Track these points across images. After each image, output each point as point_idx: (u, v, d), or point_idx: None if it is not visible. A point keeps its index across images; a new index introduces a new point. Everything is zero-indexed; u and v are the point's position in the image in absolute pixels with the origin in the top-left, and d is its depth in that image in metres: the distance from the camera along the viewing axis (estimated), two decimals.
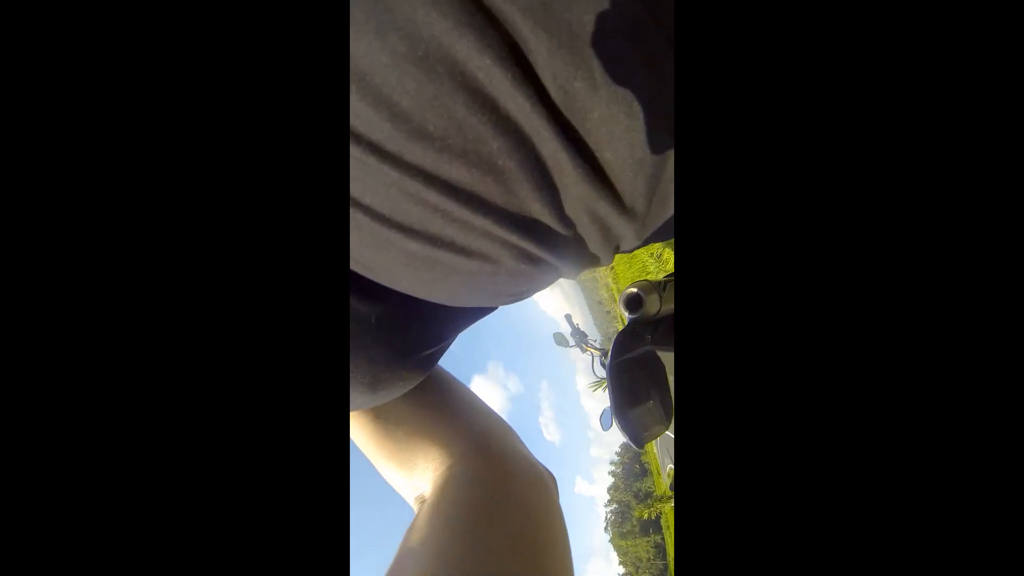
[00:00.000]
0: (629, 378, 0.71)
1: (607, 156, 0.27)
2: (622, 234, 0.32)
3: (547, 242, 0.29)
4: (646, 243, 0.39)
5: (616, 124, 0.26)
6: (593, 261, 0.36)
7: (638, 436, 0.70)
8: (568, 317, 2.28)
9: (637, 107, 0.26)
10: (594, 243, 0.32)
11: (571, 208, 0.29)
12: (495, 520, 0.33)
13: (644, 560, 44.80)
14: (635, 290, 0.78)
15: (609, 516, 51.17)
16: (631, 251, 0.41)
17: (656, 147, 0.27)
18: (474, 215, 0.26)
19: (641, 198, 0.29)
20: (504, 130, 0.25)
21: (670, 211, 0.33)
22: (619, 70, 0.25)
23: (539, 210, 0.28)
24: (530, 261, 0.30)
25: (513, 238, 0.28)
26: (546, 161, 0.26)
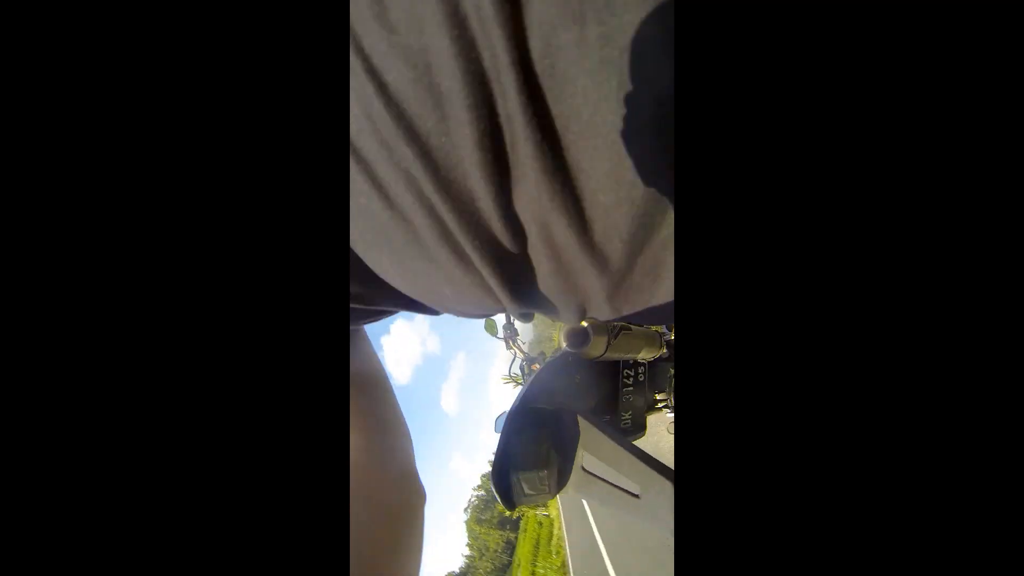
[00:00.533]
0: (533, 436, 0.58)
1: (580, 157, 0.22)
2: (586, 284, 0.27)
3: (482, 239, 0.25)
4: (637, 321, 0.37)
5: (602, 110, 0.20)
6: (547, 307, 0.31)
7: (513, 499, 0.57)
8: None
9: (638, 94, 0.20)
10: (546, 277, 0.27)
11: (521, 207, 0.24)
12: (356, 518, 0.32)
13: (491, 550, 46.95)
14: (584, 324, 0.64)
15: (474, 500, 52.75)
16: (607, 325, 0.46)
17: (653, 177, 0.22)
18: (408, 147, 0.22)
19: (618, 242, 0.24)
20: (471, 77, 0.20)
21: (663, 292, 0.28)
22: (620, 25, 0.19)
23: (480, 191, 0.23)
24: (458, 258, 0.26)
25: (444, 212, 0.24)
26: (503, 131, 0.22)
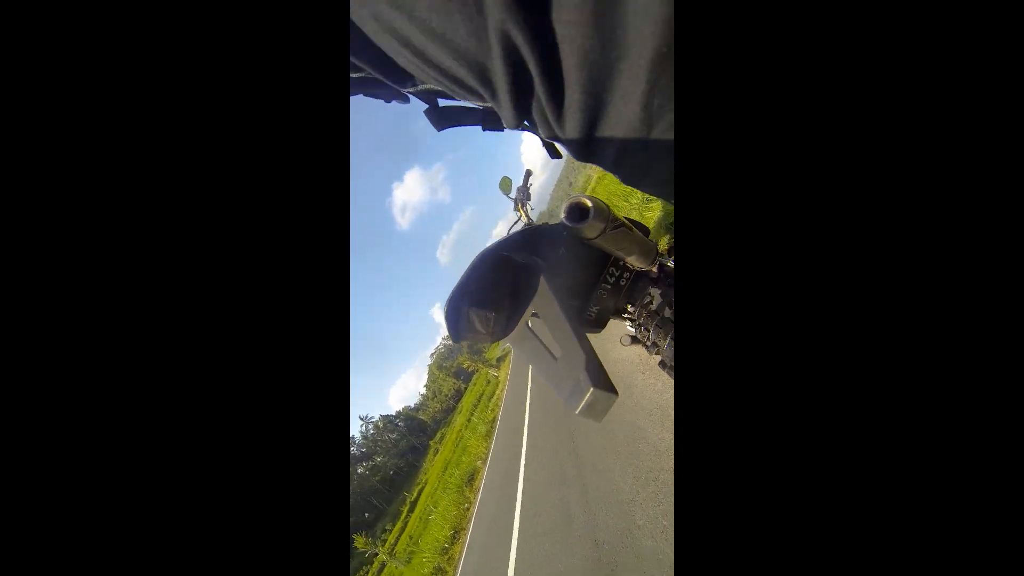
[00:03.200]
0: (492, 275, 0.60)
1: None
2: (544, 108, 0.31)
3: (446, 43, 0.28)
4: (627, 182, 0.42)
5: None
6: (506, 116, 0.34)
7: (459, 332, 0.58)
8: (528, 173, 2.10)
9: None
10: (504, 98, 0.31)
11: (491, 25, 0.27)
12: None
13: (443, 394, 51.63)
14: (588, 203, 0.66)
15: (441, 347, 57.61)
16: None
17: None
18: None
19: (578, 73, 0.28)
20: None
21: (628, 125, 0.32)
22: None
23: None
24: (418, 55, 0.29)
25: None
26: None
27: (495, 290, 0.60)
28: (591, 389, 0.43)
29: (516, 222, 2.01)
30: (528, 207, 2.02)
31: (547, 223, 0.95)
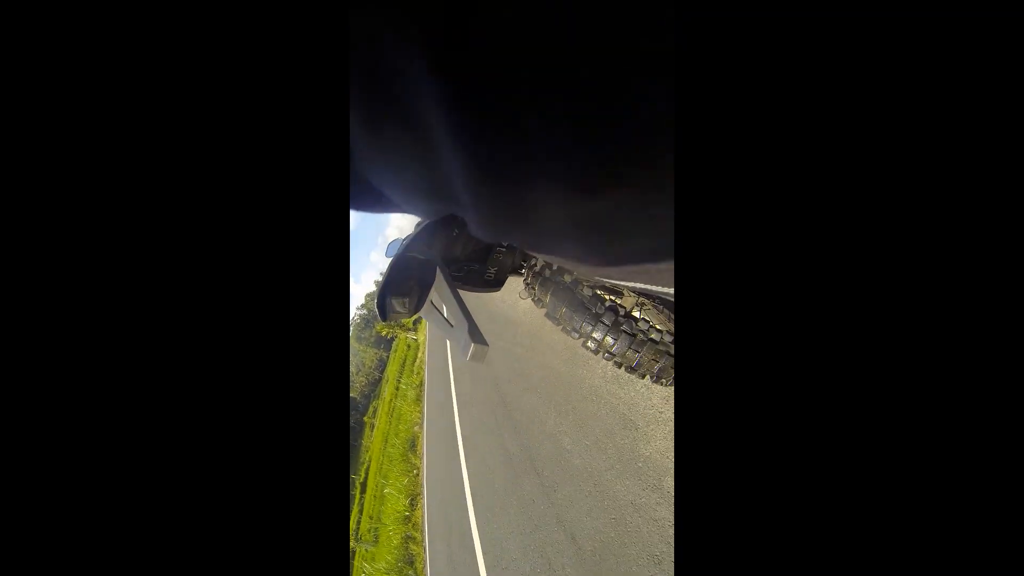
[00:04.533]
0: (403, 272, 0.83)
1: None
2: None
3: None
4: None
5: None
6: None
7: (384, 315, 0.81)
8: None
9: None
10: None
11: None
12: None
13: (367, 366, 49.75)
14: None
15: (356, 319, 54.73)
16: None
17: None
18: None
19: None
20: None
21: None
22: None
23: None
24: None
25: None
26: None
27: (406, 282, 0.82)
28: (472, 344, 0.67)
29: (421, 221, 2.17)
30: None
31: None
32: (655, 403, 2.54)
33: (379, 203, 0.38)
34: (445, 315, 0.77)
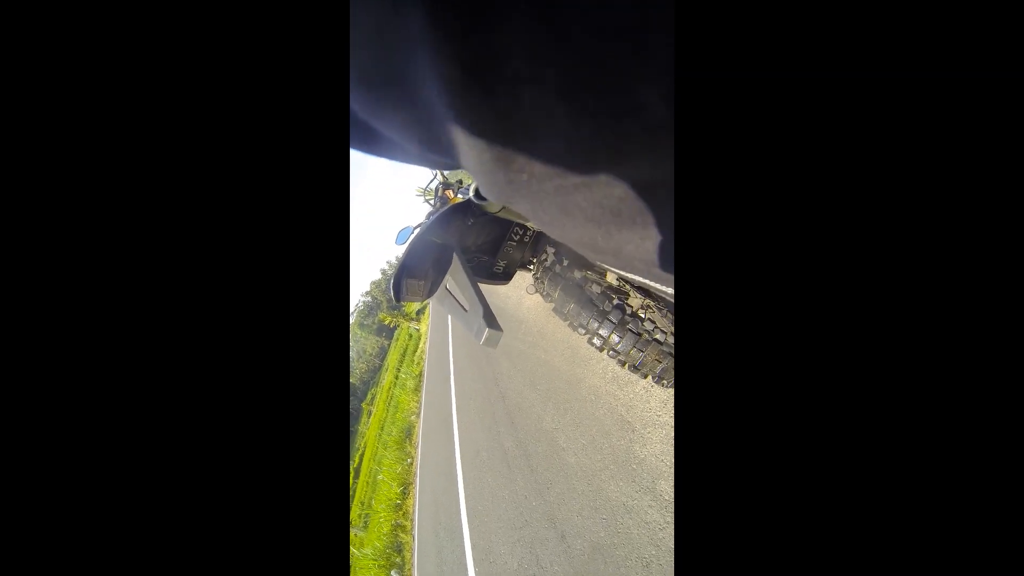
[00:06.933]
0: (419, 255, 0.88)
1: None
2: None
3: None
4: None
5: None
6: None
7: (398, 295, 0.88)
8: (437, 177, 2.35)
9: None
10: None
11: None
12: None
13: (367, 353, 50.02)
14: None
15: (360, 305, 54.94)
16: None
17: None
18: None
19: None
20: None
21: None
22: None
23: None
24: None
25: None
26: None
27: (423, 266, 0.87)
28: (487, 329, 0.69)
29: (434, 178, 2.32)
30: (458, 193, 2.20)
31: (460, 200, 1.23)
32: (653, 407, 2.54)
33: (374, 141, 0.37)
34: (459, 300, 0.79)
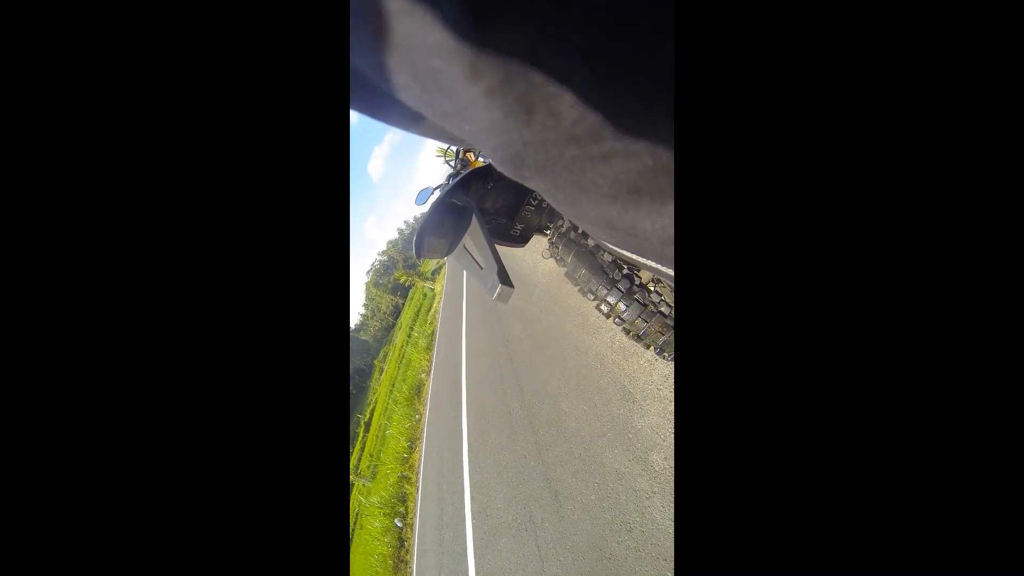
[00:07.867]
0: (440, 215, 0.93)
1: None
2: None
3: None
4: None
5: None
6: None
7: (420, 252, 0.93)
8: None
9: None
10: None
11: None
12: None
13: (382, 311, 50.75)
14: None
15: (377, 264, 55.28)
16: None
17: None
18: None
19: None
20: None
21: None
22: None
23: None
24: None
25: None
26: None
27: (443, 225, 0.92)
28: (499, 285, 0.73)
29: (457, 171, 2.31)
30: (479, 156, 2.15)
31: (481, 164, 1.29)
32: (655, 380, 2.59)
33: (374, 97, 0.38)
34: (475, 258, 0.82)
